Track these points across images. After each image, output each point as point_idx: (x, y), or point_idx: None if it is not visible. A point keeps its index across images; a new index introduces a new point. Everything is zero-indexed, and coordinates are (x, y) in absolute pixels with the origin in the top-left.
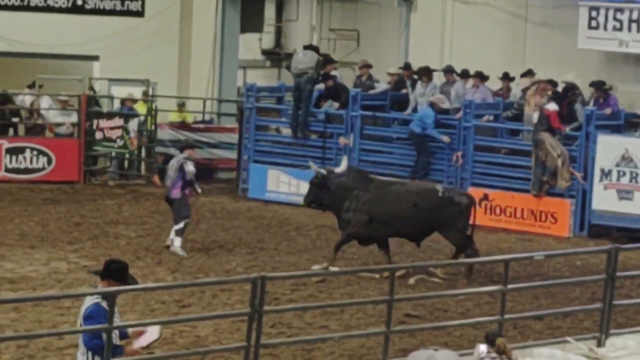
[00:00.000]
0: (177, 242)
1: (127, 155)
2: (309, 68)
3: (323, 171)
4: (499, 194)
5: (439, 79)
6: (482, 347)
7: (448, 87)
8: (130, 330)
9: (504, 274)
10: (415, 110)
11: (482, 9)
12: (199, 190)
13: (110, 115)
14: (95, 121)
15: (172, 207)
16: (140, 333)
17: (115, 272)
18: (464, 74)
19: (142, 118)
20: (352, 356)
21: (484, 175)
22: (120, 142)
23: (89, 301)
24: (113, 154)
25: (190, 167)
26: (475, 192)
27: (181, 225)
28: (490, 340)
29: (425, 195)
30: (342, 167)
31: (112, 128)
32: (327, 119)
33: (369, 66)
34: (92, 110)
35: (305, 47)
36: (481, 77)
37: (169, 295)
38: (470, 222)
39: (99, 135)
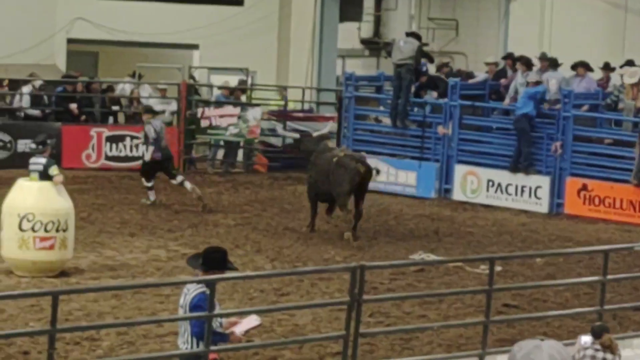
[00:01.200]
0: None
1: (241, 144)
2: (410, 58)
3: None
4: (599, 184)
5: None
6: (586, 339)
7: (547, 76)
8: (224, 320)
9: (603, 265)
10: (515, 100)
11: None
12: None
13: (219, 104)
14: (199, 109)
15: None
16: (235, 323)
17: (214, 262)
18: (554, 64)
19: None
20: (450, 346)
21: (583, 165)
22: (233, 130)
23: (193, 290)
24: (221, 143)
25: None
26: (574, 183)
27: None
28: (596, 334)
29: (327, 160)
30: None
31: (221, 116)
32: (427, 109)
33: (447, 64)
34: (198, 99)
35: (407, 34)
36: (586, 67)
37: (267, 283)
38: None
39: (204, 123)
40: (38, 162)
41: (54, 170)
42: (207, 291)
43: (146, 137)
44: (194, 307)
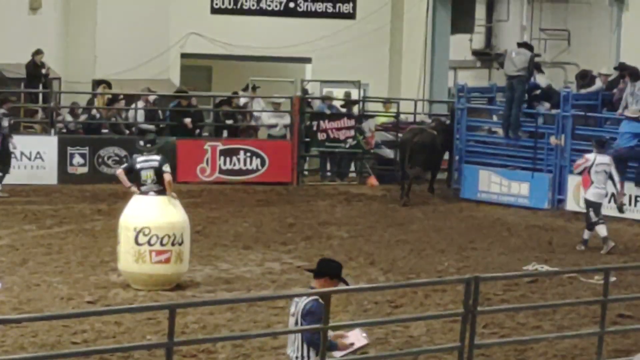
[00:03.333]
0: None
1: (360, 155)
2: (522, 69)
3: None
4: None
5: None
6: None
7: None
8: (331, 333)
9: None
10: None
11: None
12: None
13: (334, 117)
14: (315, 123)
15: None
16: (341, 336)
17: (331, 270)
18: None
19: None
20: (565, 357)
21: None
22: (352, 142)
23: (305, 298)
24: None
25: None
26: None
27: None
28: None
29: None
30: None
31: (338, 129)
32: (540, 120)
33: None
34: (315, 112)
35: (519, 45)
36: None
37: (381, 295)
38: None
39: (321, 136)
40: (152, 159)
41: (167, 167)
42: (319, 299)
43: None
44: (306, 313)
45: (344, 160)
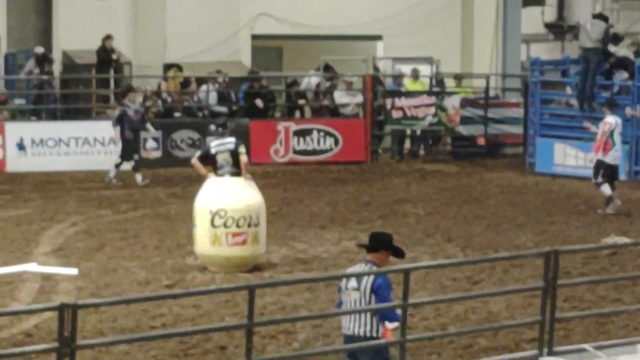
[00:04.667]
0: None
1: (443, 132)
2: (597, 41)
3: None
4: None
5: None
6: None
7: None
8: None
9: None
10: None
11: None
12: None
13: (411, 94)
14: (389, 100)
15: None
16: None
17: (385, 243)
18: None
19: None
20: None
21: None
22: (432, 120)
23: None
24: (418, 133)
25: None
26: None
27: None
28: None
29: None
30: None
31: (416, 106)
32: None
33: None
34: (389, 90)
35: (594, 17)
36: None
37: (459, 272)
38: None
39: (396, 114)
40: (227, 141)
41: (243, 148)
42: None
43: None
44: (378, 287)
45: (424, 139)
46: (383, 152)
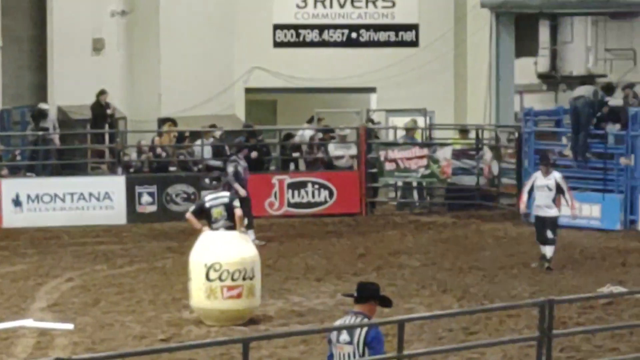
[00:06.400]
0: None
1: (435, 184)
2: (585, 91)
3: None
4: None
5: None
6: None
7: None
8: None
9: None
10: None
11: None
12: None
13: (403, 146)
14: (382, 152)
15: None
16: None
17: (372, 292)
18: None
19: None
20: None
21: None
22: (425, 172)
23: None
24: (414, 184)
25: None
26: None
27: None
28: None
29: None
30: None
31: (409, 158)
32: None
33: (631, 86)
34: (382, 142)
35: (582, 84)
36: None
37: (455, 322)
38: None
39: (389, 166)
40: (221, 195)
41: (237, 202)
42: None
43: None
44: (372, 339)
45: (419, 191)
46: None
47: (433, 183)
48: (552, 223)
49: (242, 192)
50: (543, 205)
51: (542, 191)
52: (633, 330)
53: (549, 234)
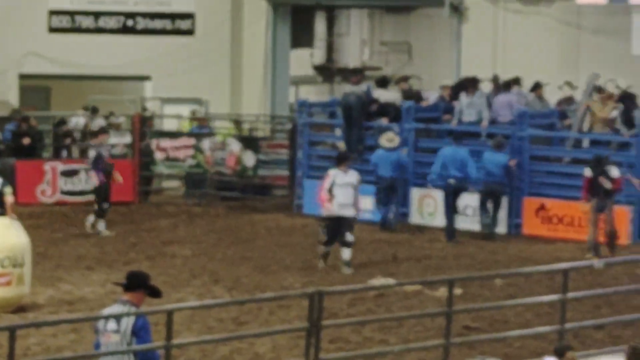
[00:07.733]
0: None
1: (204, 173)
2: (357, 88)
3: None
4: (556, 203)
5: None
6: (550, 359)
7: (496, 97)
8: None
9: (562, 284)
10: (460, 122)
11: (534, 18)
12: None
13: (173, 135)
14: (154, 141)
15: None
16: None
17: (141, 281)
18: (506, 85)
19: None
20: None
21: (540, 184)
22: (191, 162)
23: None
24: (184, 174)
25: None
26: (533, 202)
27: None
28: (559, 353)
29: None
30: None
31: (177, 148)
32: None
33: (405, 79)
34: (154, 131)
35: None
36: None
37: (226, 312)
38: None
39: (160, 155)
40: None
41: (9, 188)
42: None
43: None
44: (140, 328)
45: (192, 180)
46: (153, 193)
47: (203, 173)
48: (350, 224)
49: (96, 179)
50: (347, 204)
51: (345, 189)
52: (402, 323)
53: (349, 237)
